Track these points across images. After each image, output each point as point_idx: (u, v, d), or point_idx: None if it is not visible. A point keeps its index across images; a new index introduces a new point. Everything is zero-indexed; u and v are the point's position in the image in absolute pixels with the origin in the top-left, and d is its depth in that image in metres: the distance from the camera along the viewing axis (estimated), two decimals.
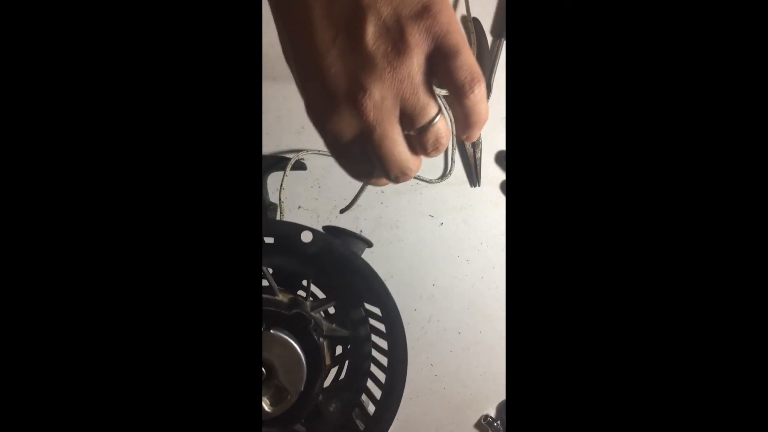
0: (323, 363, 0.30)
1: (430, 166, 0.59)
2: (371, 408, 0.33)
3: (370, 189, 0.59)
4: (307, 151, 0.57)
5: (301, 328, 0.30)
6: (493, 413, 0.60)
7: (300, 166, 0.57)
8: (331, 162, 0.58)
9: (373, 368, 0.33)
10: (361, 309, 0.33)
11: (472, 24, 0.58)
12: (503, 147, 0.59)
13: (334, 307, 0.33)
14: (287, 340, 0.29)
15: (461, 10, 0.59)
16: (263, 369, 0.29)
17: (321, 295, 0.33)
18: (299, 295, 0.31)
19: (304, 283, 0.33)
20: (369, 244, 0.33)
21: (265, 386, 0.29)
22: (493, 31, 0.59)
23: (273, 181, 0.57)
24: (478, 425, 0.61)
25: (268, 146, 0.58)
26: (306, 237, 0.31)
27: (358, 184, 0.58)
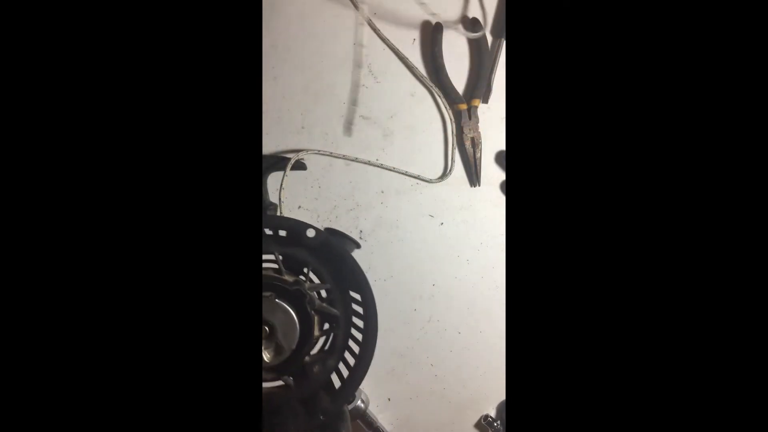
0: (312, 331, 0.40)
1: (430, 166, 0.59)
2: (345, 373, 0.43)
3: (370, 189, 0.59)
4: (307, 151, 0.57)
5: (299, 301, 0.39)
6: (493, 413, 0.60)
7: (300, 166, 0.57)
8: (331, 162, 0.58)
9: (351, 343, 0.42)
10: (347, 295, 0.42)
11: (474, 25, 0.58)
12: (503, 147, 0.59)
13: (326, 291, 0.42)
14: (287, 308, 0.39)
15: (461, 10, 0.59)
16: (266, 328, 0.38)
17: (317, 281, 0.43)
18: (300, 278, 0.41)
19: (305, 270, 0.42)
20: (357, 246, 0.44)
21: (266, 342, 0.39)
22: (493, 31, 0.59)
23: (273, 181, 0.57)
24: (478, 425, 0.61)
25: (268, 146, 0.58)
26: (310, 233, 0.41)
27: (358, 184, 0.58)
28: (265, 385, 0.41)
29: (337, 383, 0.42)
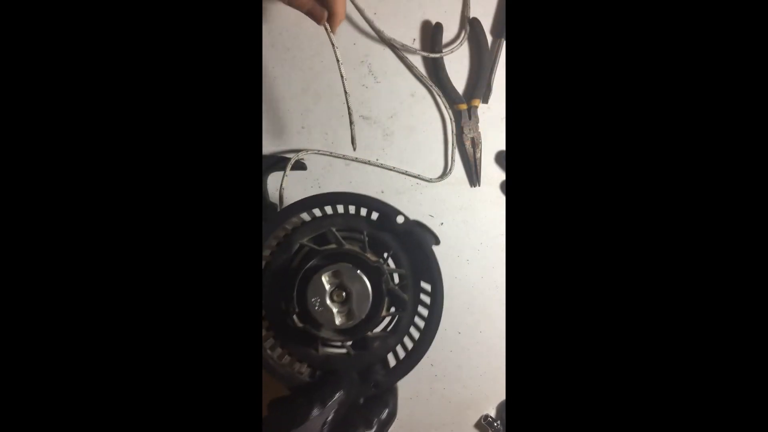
0: (381, 308, 0.43)
1: (430, 166, 0.59)
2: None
3: (370, 189, 0.59)
4: (307, 151, 0.57)
5: (376, 278, 0.42)
6: (493, 413, 0.60)
7: (300, 166, 0.57)
8: (331, 162, 0.58)
9: (412, 329, 0.45)
10: (418, 284, 0.45)
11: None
12: (503, 147, 0.59)
13: (400, 276, 0.45)
14: (365, 280, 0.42)
15: (461, 9, 0.59)
16: (344, 293, 0.42)
17: (394, 266, 0.46)
18: (381, 260, 0.44)
19: (386, 254, 0.46)
20: (437, 242, 0.45)
21: (340, 306, 0.42)
22: (493, 31, 0.59)
23: (273, 181, 0.57)
24: (478, 425, 0.61)
25: (268, 146, 0.58)
26: (399, 219, 0.44)
27: (358, 184, 0.58)
28: (328, 350, 0.45)
29: (392, 363, 0.45)
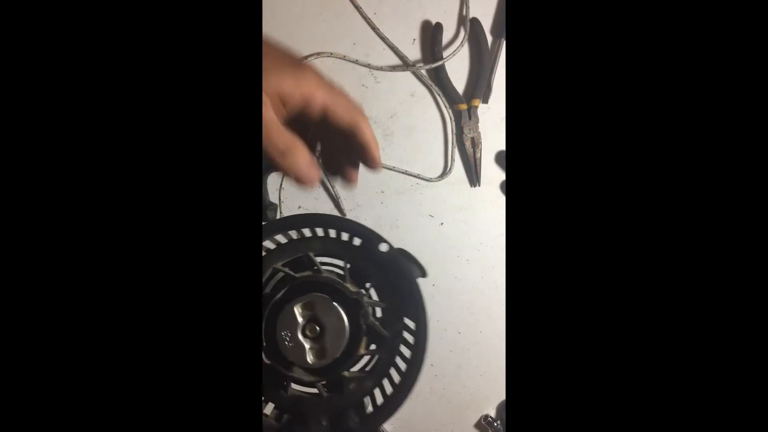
0: (359, 346, 0.39)
1: (430, 165, 0.59)
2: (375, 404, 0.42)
3: (370, 188, 0.59)
4: None
5: (354, 311, 0.38)
6: (493, 413, 0.60)
7: None
8: None
9: (392, 371, 0.41)
10: (401, 320, 0.41)
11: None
12: (503, 147, 0.59)
13: (382, 310, 0.41)
14: (341, 314, 0.37)
15: (459, 9, 0.59)
16: (317, 327, 0.38)
17: (376, 298, 0.42)
18: (362, 291, 0.40)
19: (367, 285, 0.41)
20: (424, 274, 0.41)
21: (312, 342, 0.38)
22: (493, 31, 0.59)
23: (273, 181, 0.57)
24: (478, 425, 0.61)
25: None
26: (383, 247, 0.40)
27: (358, 184, 0.58)
28: (297, 388, 0.41)
29: (369, 408, 0.41)
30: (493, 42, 0.59)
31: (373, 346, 0.41)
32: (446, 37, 0.58)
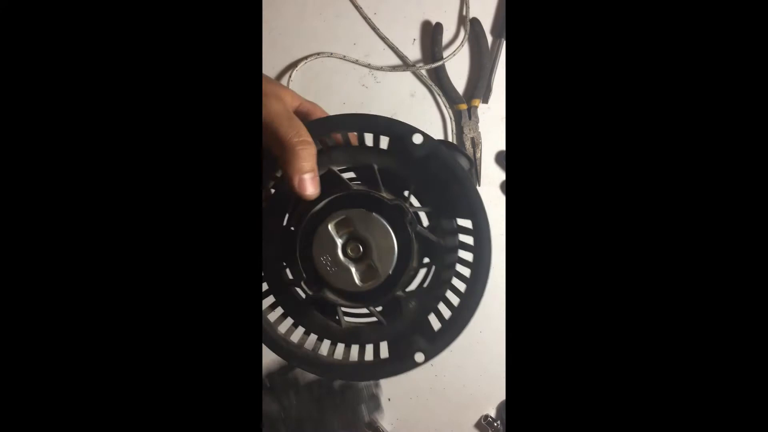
0: (412, 258, 0.33)
1: None
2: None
3: None
4: None
5: (398, 219, 0.33)
6: (493, 413, 0.60)
7: None
8: None
9: (455, 281, 0.36)
10: (453, 222, 0.35)
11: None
12: (503, 147, 0.59)
13: (428, 216, 0.36)
14: (385, 225, 0.32)
15: (459, 9, 0.59)
16: (359, 245, 0.33)
17: (417, 205, 0.36)
18: (401, 198, 0.34)
19: (406, 193, 0.36)
20: (472, 163, 0.37)
21: (357, 263, 0.33)
22: (493, 31, 0.59)
23: None
24: (478, 425, 0.61)
25: None
26: (417, 139, 0.34)
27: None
28: (351, 320, 0.36)
29: (436, 325, 0.36)
30: (493, 42, 0.59)
31: (426, 260, 0.36)
32: (446, 37, 0.58)
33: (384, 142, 0.35)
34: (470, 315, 0.35)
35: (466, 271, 0.36)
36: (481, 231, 0.35)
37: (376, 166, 0.34)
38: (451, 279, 0.36)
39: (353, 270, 0.33)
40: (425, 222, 0.37)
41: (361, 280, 0.33)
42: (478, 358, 0.60)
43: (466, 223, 0.35)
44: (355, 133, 0.35)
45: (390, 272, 0.33)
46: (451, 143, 0.35)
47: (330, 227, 0.32)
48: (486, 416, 0.60)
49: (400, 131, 0.34)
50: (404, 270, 0.33)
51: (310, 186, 0.33)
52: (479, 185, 0.59)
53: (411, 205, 0.35)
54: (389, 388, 0.59)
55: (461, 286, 0.35)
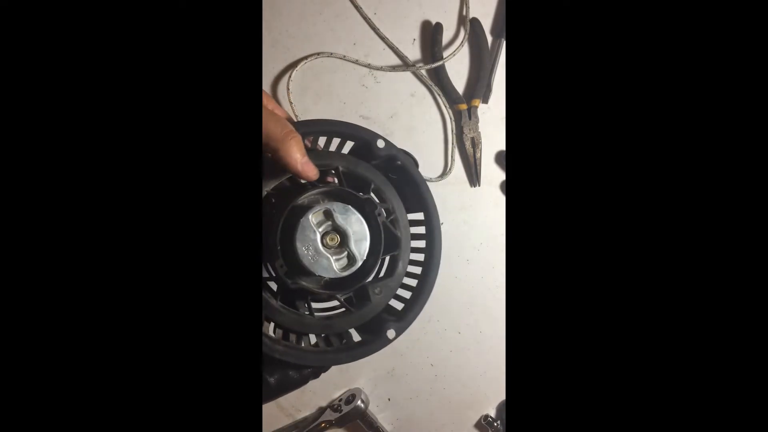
0: (380, 244, 0.38)
1: (430, 165, 0.59)
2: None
3: None
4: None
5: (369, 212, 0.38)
6: (493, 413, 0.60)
7: None
8: None
9: (410, 267, 0.42)
10: (405, 217, 0.41)
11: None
12: (503, 147, 0.59)
13: (386, 210, 0.40)
14: (360, 218, 0.37)
15: (459, 9, 0.59)
16: (336, 236, 0.37)
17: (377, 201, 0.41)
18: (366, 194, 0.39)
19: (369, 190, 0.41)
20: (416, 164, 0.42)
21: (335, 251, 0.37)
22: (493, 31, 0.59)
23: None
24: (478, 425, 0.61)
25: None
26: (380, 144, 0.40)
27: None
28: (320, 314, 0.40)
29: (399, 306, 0.42)
30: (493, 42, 0.59)
31: (392, 251, 0.40)
32: (446, 37, 0.58)
33: (347, 147, 0.41)
34: (428, 294, 0.41)
35: (419, 257, 0.42)
36: (432, 220, 0.41)
37: (340, 168, 0.39)
38: (406, 265, 0.41)
39: (332, 258, 0.37)
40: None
41: (340, 267, 0.37)
42: (478, 358, 0.60)
43: (419, 216, 0.41)
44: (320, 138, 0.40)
45: (365, 257, 0.37)
46: (405, 151, 0.42)
47: (311, 218, 0.36)
48: (486, 416, 0.60)
49: (365, 137, 0.39)
50: (375, 257, 0.38)
51: (312, 168, 0.37)
52: (479, 185, 0.59)
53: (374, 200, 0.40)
54: (389, 388, 0.59)
55: (417, 270, 0.42)
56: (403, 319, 0.40)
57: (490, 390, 0.60)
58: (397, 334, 0.39)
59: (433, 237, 0.41)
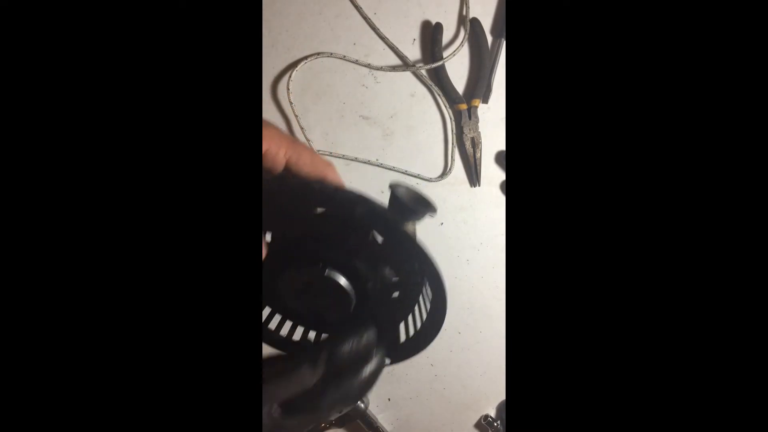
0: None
1: (430, 165, 0.59)
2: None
3: (370, 188, 0.59)
4: None
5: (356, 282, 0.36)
6: (493, 413, 0.60)
7: None
8: (330, 161, 0.58)
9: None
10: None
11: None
12: (503, 147, 0.59)
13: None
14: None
15: (459, 9, 0.59)
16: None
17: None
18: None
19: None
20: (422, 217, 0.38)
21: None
22: (493, 31, 0.59)
23: None
24: (478, 425, 0.61)
25: None
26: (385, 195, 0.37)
27: (358, 184, 0.58)
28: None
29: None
30: (493, 42, 0.59)
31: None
32: (446, 37, 0.58)
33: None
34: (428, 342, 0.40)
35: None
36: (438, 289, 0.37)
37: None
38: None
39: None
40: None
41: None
42: (478, 358, 0.60)
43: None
44: None
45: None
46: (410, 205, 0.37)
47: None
48: (486, 416, 0.60)
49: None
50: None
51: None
52: (479, 185, 0.59)
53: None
54: (389, 388, 0.60)
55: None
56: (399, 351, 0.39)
57: (490, 390, 0.60)
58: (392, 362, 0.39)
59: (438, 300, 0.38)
